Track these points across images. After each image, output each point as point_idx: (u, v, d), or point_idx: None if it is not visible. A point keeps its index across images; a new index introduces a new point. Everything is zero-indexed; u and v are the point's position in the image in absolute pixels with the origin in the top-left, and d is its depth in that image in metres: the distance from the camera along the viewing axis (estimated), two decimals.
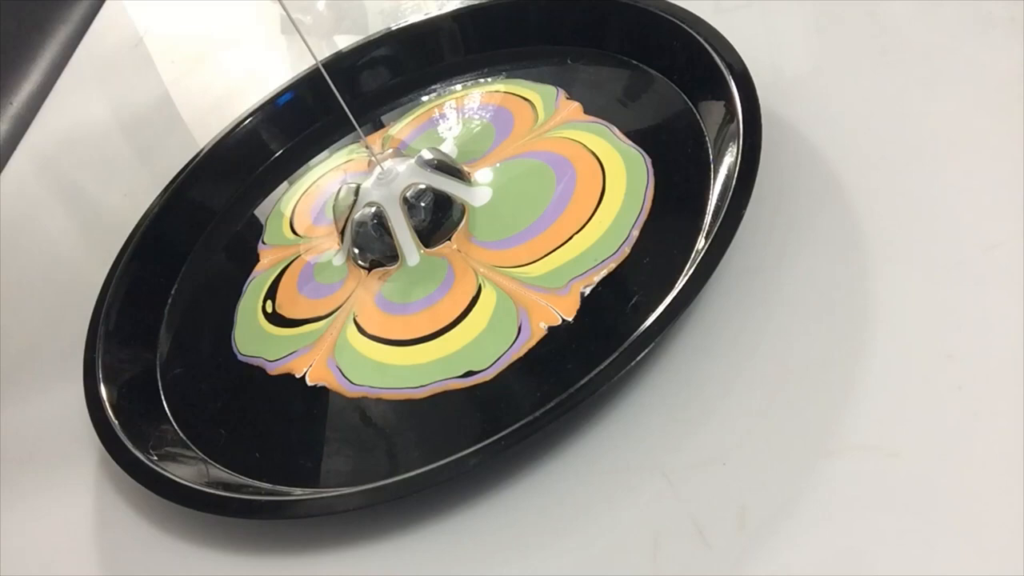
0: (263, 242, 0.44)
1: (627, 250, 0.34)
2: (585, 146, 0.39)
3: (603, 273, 0.34)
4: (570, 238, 0.36)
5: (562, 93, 0.43)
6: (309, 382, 0.36)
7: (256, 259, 0.43)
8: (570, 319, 0.33)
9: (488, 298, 0.35)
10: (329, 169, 0.47)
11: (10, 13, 0.68)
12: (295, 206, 0.45)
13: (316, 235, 0.43)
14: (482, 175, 0.41)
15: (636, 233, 0.35)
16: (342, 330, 0.37)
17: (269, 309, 0.40)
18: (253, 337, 0.39)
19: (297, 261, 0.42)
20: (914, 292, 0.29)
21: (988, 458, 0.25)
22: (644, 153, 0.38)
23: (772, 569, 0.25)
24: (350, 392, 0.35)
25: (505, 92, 0.45)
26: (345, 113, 0.38)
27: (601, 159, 0.38)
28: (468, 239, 0.38)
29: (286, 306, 0.40)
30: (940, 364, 0.28)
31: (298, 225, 0.44)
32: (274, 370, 0.37)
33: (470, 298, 0.35)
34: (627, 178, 0.37)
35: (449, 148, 0.43)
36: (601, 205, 0.36)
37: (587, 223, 0.36)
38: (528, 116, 0.43)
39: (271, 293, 0.41)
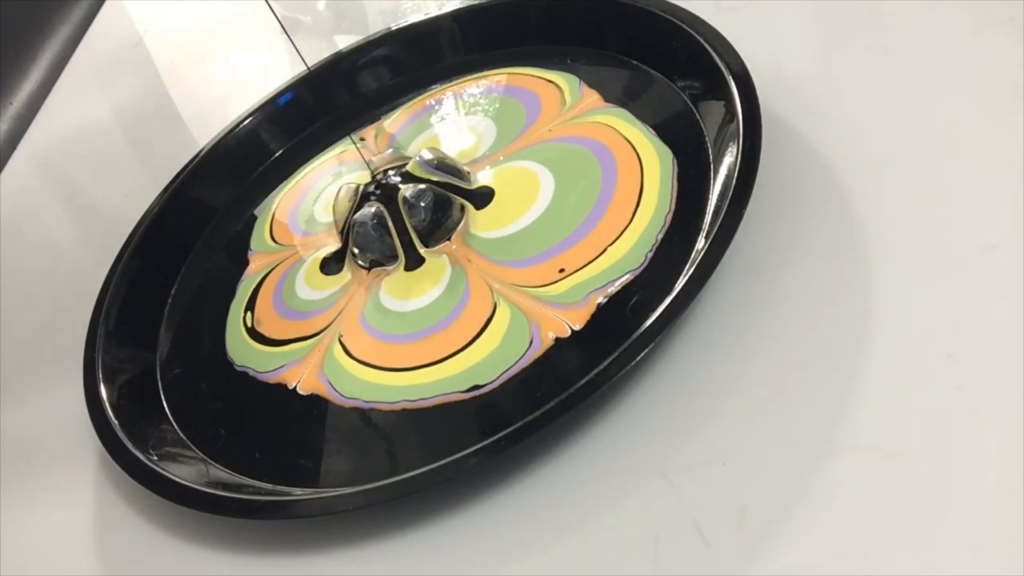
0: (250, 248, 0.44)
1: (650, 256, 0.34)
2: (620, 133, 0.39)
3: (623, 283, 0.33)
4: (604, 251, 0.34)
5: (583, 82, 0.43)
6: (301, 392, 0.36)
7: (247, 262, 0.43)
8: (578, 328, 0.33)
9: (502, 317, 0.34)
10: (319, 163, 0.47)
11: (10, 13, 0.68)
12: (277, 206, 0.45)
13: (294, 244, 0.43)
14: (528, 163, 0.39)
15: (661, 237, 0.34)
16: (328, 349, 0.36)
17: (249, 322, 0.40)
18: (241, 348, 0.39)
19: (275, 271, 0.41)
20: (914, 292, 0.29)
21: (988, 458, 0.25)
22: (669, 148, 0.37)
23: (772, 569, 0.25)
24: (341, 403, 0.34)
25: (529, 75, 0.45)
26: (344, 111, 0.38)
27: (638, 150, 0.38)
28: (467, 240, 0.38)
29: (265, 323, 0.39)
30: (940, 364, 0.28)
31: (277, 232, 0.44)
32: (266, 380, 0.37)
33: (484, 320, 0.34)
34: (660, 175, 0.36)
35: (486, 125, 0.43)
36: (639, 209, 0.35)
37: (623, 232, 0.35)
38: (555, 98, 0.42)
39: (251, 304, 0.41)
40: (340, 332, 0.37)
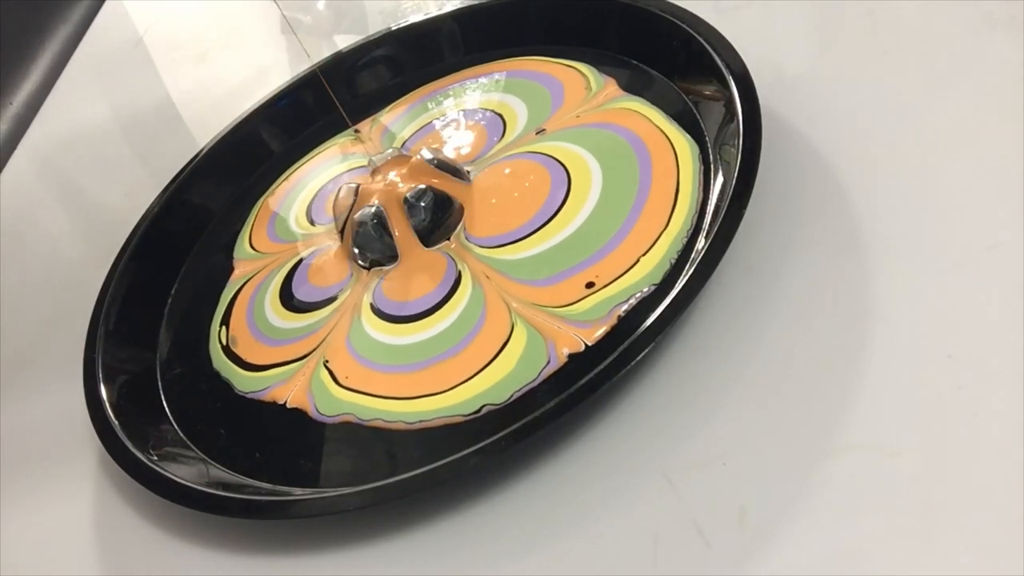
0: (233, 256, 0.44)
1: (672, 262, 0.33)
2: (651, 121, 0.38)
3: (645, 294, 0.32)
4: (636, 262, 0.33)
5: (604, 73, 0.42)
6: (290, 407, 0.35)
7: (232, 268, 0.43)
8: (591, 342, 0.32)
9: (518, 339, 0.33)
10: (303, 165, 0.47)
11: (10, 13, 0.68)
12: (259, 210, 0.45)
13: (271, 252, 0.42)
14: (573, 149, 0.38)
15: (684, 242, 0.33)
16: (314, 373, 0.36)
17: (223, 339, 0.39)
18: (222, 364, 0.38)
19: (250, 283, 0.41)
20: (914, 292, 0.29)
21: (988, 458, 0.25)
22: (693, 140, 0.37)
23: (772, 569, 0.25)
24: (331, 422, 0.34)
25: (550, 61, 0.44)
26: (342, 112, 0.38)
27: (672, 141, 0.37)
28: (466, 239, 0.38)
29: (241, 344, 0.38)
30: (940, 364, 0.28)
31: (256, 238, 0.44)
32: (254, 397, 0.36)
33: (499, 344, 0.33)
34: (692, 170, 0.35)
35: (519, 107, 0.42)
36: (675, 211, 0.34)
37: (658, 237, 0.33)
38: (579, 83, 0.42)
39: (226, 318, 0.40)
40: (326, 357, 0.36)
